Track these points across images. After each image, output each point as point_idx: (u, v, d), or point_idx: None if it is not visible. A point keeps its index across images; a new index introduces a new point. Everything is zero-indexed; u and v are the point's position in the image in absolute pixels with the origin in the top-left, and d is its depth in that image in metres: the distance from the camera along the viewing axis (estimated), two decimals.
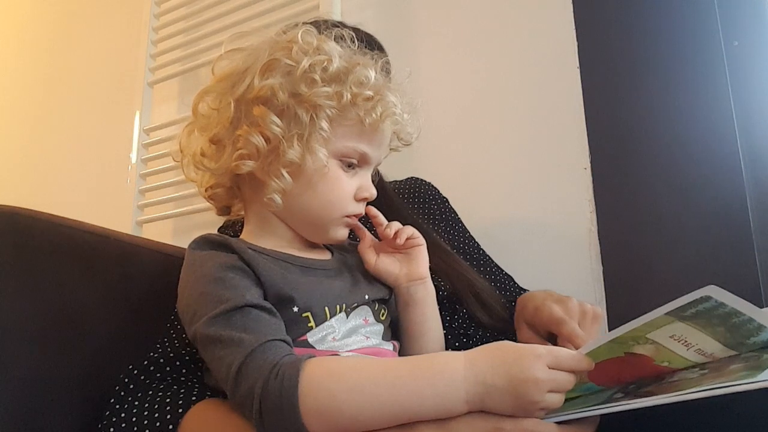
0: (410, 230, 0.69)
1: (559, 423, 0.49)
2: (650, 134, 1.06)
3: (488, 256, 1.01)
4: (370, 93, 0.61)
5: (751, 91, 1.03)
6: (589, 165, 1.11)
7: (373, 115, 0.62)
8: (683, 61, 1.06)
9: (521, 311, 0.78)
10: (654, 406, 0.45)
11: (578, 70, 1.15)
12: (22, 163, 2.06)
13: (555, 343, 0.71)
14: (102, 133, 1.86)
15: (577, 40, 1.16)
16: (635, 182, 1.06)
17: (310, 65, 0.60)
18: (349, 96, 0.60)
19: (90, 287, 0.79)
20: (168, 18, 1.74)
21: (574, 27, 1.17)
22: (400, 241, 0.68)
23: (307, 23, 0.69)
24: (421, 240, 0.69)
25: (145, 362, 0.69)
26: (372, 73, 0.62)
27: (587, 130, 1.12)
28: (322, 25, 0.68)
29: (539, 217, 1.15)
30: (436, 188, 1.07)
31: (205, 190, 0.68)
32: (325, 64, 0.60)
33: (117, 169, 1.70)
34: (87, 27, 2.04)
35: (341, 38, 0.65)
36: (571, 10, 1.18)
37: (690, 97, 1.04)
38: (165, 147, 1.64)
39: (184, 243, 0.97)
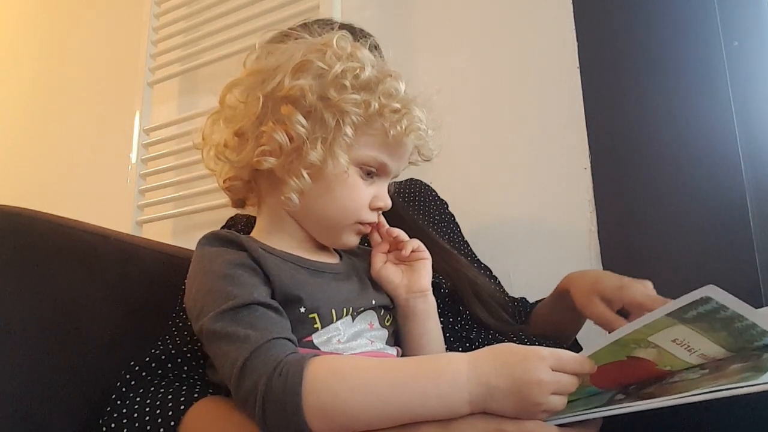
0: (416, 243, 0.69)
1: (561, 425, 0.49)
2: (650, 134, 1.07)
3: (483, 263, 1.01)
4: (397, 105, 0.62)
5: (751, 91, 1.03)
6: (589, 165, 1.11)
7: (398, 128, 0.62)
8: (683, 61, 1.06)
9: (593, 285, 0.76)
10: (655, 408, 0.45)
11: (578, 70, 1.15)
12: (22, 163, 2.06)
13: (627, 318, 0.71)
14: (102, 133, 1.86)
15: (577, 40, 1.16)
16: (635, 182, 1.07)
17: (342, 71, 0.60)
18: (376, 106, 0.61)
19: (90, 287, 0.79)
20: (168, 18, 1.74)
21: (574, 27, 1.17)
22: (406, 252, 0.68)
23: (343, 26, 0.68)
24: (427, 254, 0.69)
25: (147, 358, 0.69)
26: (402, 86, 0.63)
27: (587, 130, 1.12)
28: (357, 33, 0.68)
29: (539, 217, 1.15)
30: (435, 191, 1.07)
31: (224, 182, 0.68)
32: (357, 71, 0.61)
33: (117, 169, 1.70)
34: (87, 27, 2.04)
35: (375, 48, 0.65)
36: (571, 10, 1.18)
37: (690, 97, 1.04)
38: (165, 147, 1.64)
39: (184, 243, 0.97)
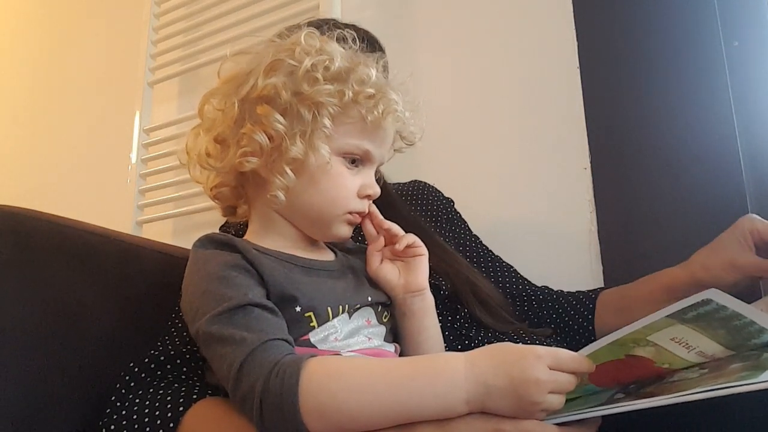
0: (411, 238, 0.69)
1: (559, 424, 0.49)
2: (650, 134, 1.06)
3: (494, 254, 1.01)
4: (371, 91, 0.62)
5: (751, 91, 1.03)
6: (589, 165, 1.11)
7: (375, 113, 0.62)
8: (683, 61, 1.06)
9: (743, 238, 0.75)
10: (655, 407, 0.45)
11: (578, 70, 1.15)
12: (22, 163, 2.06)
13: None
14: (102, 133, 1.86)
15: (577, 40, 1.16)
16: (635, 182, 1.06)
17: (312, 65, 0.61)
18: (350, 94, 0.61)
19: (90, 287, 0.79)
20: (168, 18, 1.74)
21: (574, 27, 1.17)
22: (399, 246, 0.68)
23: (311, 23, 0.68)
24: (423, 250, 0.69)
25: (146, 360, 0.69)
26: (373, 72, 0.63)
27: (587, 130, 1.12)
28: (324, 27, 0.69)
29: (539, 217, 1.15)
30: (439, 191, 1.07)
31: (211, 190, 0.69)
32: (327, 63, 0.61)
33: (117, 169, 1.70)
34: (87, 27, 2.04)
35: (343, 39, 0.65)
36: (571, 10, 1.18)
37: (690, 97, 1.04)
38: (165, 147, 1.64)
39: (184, 243, 0.97)
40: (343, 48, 0.64)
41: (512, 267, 1.00)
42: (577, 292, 0.95)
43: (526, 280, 0.99)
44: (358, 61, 0.63)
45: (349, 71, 0.62)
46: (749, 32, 1.05)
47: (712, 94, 1.02)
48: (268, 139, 0.61)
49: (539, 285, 0.98)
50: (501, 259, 1.01)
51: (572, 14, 1.17)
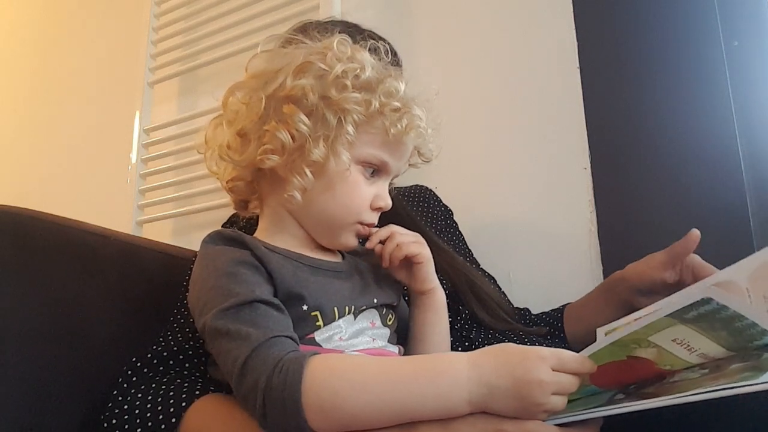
0: (402, 252, 0.67)
1: (561, 425, 0.49)
2: (650, 134, 1.07)
3: (486, 272, 1.01)
4: (398, 104, 0.63)
5: (751, 91, 1.03)
6: (589, 165, 1.11)
7: (398, 126, 0.63)
8: (683, 61, 1.06)
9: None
10: (656, 407, 0.45)
11: (578, 70, 1.15)
12: (22, 163, 2.06)
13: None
14: (102, 133, 1.86)
15: (577, 40, 1.16)
16: (635, 182, 1.07)
17: (342, 71, 0.61)
18: (377, 104, 0.62)
19: (90, 287, 0.80)
20: (168, 18, 1.74)
21: (574, 27, 1.17)
22: (386, 264, 0.68)
23: (343, 28, 0.70)
24: (421, 257, 0.68)
25: (149, 355, 0.70)
26: (402, 86, 0.64)
27: (587, 130, 1.12)
28: (357, 35, 0.69)
29: (539, 217, 1.15)
30: (440, 198, 1.08)
31: (226, 182, 0.69)
32: (358, 71, 0.62)
33: (117, 169, 1.70)
34: (87, 27, 2.04)
35: (374, 50, 0.66)
36: (571, 10, 1.18)
37: (690, 97, 1.04)
38: (165, 147, 1.64)
39: (184, 243, 0.97)
40: (374, 59, 0.65)
41: (500, 288, 1.00)
42: (550, 310, 0.96)
43: (510, 302, 0.99)
44: (388, 74, 0.64)
45: (378, 82, 0.63)
46: (749, 32, 1.05)
47: (712, 94, 1.02)
48: (291, 138, 0.61)
49: (521, 307, 0.99)
50: (492, 277, 1.01)
51: (572, 14, 1.17)
